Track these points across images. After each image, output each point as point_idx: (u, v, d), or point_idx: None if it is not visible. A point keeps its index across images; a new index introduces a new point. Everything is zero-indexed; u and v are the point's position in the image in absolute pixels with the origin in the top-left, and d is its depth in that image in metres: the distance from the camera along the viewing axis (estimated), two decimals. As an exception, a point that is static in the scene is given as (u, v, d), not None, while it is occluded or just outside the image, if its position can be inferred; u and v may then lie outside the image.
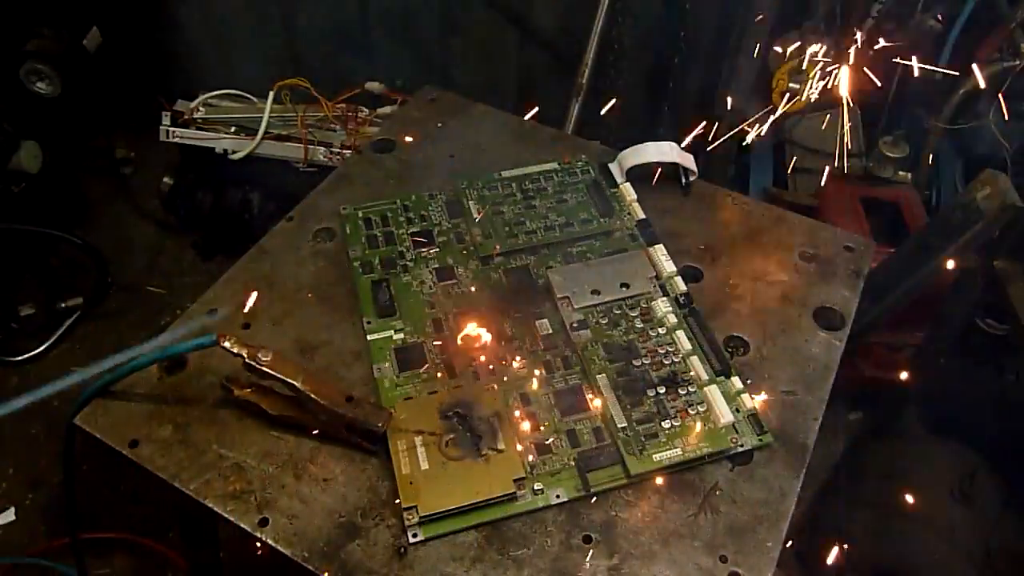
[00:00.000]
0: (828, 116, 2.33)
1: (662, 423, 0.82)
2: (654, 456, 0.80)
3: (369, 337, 0.92)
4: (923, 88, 2.16)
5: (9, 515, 1.84)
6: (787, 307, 0.98)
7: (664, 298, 0.95)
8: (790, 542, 1.67)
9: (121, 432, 0.82)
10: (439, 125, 1.23)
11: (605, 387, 0.85)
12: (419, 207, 1.08)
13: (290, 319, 0.95)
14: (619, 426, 0.82)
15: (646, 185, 1.13)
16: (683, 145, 1.14)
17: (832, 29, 2.05)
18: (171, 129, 2.11)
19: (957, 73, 1.96)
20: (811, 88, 1.99)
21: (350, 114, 2.07)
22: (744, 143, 1.71)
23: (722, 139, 1.55)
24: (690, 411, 0.84)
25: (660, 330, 0.91)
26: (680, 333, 0.91)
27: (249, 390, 0.83)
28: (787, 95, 2.04)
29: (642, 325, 0.92)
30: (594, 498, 0.79)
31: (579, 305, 0.93)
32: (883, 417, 1.95)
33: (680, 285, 0.97)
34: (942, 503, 1.47)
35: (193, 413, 0.84)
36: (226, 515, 0.77)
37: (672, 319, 0.92)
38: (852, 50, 2.24)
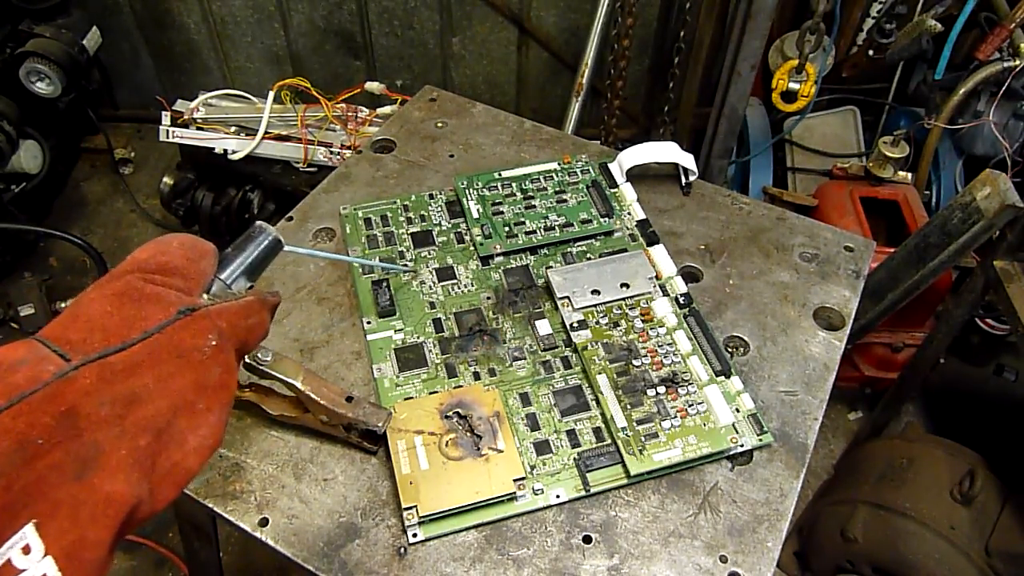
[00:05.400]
0: (827, 116, 2.33)
1: (662, 423, 0.82)
2: (654, 456, 0.80)
3: (369, 337, 0.92)
4: (923, 88, 2.17)
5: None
6: (787, 307, 0.98)
7: (664, 298, 0.95)
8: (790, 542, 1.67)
9: (121, 432, 0.82)
10: (439, 125, 1.23)
11: (605, 387, 0.85)
12: (419, 207, 1.08)
13: (290, 319, 0.95)
14: (619, 426, 0.82)
15: (646, 185, 1.13)
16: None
17: (832, 29, 2.05)
18: (171, 129, 2.11)
19: (957, 73, 1.96)
20: (811, 88, 2.00)
21: (350, 114, 2.07)
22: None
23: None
24: (690, 411, 0.83)
25: (660, 330, 0.91)
26: (680, 333, 0.91)
27: (249, 390, 0.83)
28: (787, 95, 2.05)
29: (642, 325, 0.92)
30: (594, 498, 0.79)
31: (579, 305, 0.93)
32: (883, 417, 1.95)
33: (680, 285, 0.97)
34: (942, 503, 1.47)
35: (193, 413, 0.84)
36: (226, 515, 0.77)
37: (672, 319, 0.92)
38: (852, 50, 2.25)
